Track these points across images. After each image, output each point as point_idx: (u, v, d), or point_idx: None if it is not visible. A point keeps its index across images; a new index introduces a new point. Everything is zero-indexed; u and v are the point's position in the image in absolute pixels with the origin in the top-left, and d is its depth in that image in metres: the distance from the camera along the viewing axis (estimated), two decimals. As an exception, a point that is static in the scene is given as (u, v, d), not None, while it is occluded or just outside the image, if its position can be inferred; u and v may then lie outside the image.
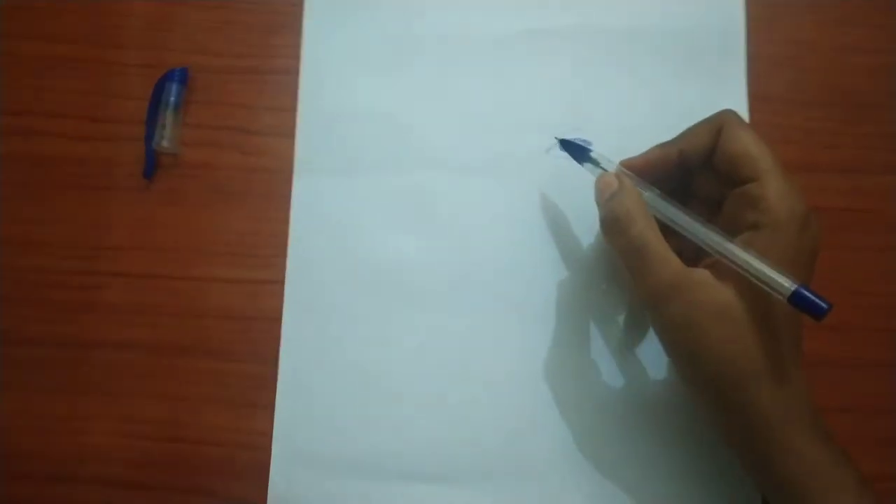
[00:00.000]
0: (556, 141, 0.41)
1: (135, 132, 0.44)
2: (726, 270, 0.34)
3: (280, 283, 0.43)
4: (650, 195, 0.36)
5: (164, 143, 0.44)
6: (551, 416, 0.40)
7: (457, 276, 0.42)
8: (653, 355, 0.41)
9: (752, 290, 0.33)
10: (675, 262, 0.35)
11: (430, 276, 0.42)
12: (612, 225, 0.36)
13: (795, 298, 0.31)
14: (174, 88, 0.44)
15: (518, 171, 0.43)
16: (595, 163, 0.39)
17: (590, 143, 0.40)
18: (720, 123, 0.36)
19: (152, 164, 0.44)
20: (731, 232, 0.34)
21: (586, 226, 0.42)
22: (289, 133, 0.44)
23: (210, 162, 0.44)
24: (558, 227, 0.43)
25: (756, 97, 0.44)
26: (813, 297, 0.31)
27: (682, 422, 0.40)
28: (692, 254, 0.37)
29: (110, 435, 0.41)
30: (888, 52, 0.44)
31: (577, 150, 0.40)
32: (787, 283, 0.32)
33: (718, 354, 0.34)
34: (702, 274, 0.34)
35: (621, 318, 0.41)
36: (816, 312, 0.31)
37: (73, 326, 0.43)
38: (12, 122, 0.45)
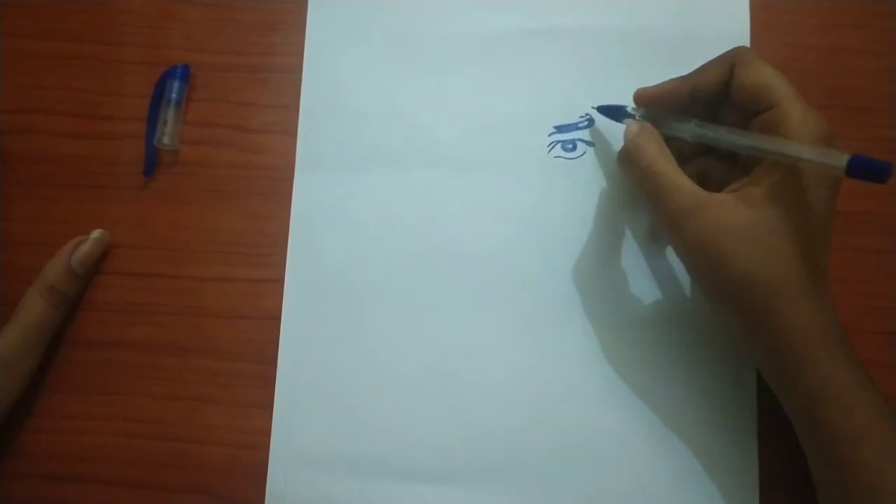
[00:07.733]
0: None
1: (134, 130, 0.44)
2: (747, 195, 0.34)
3: (280, 282, 0.43)
4: (689, 125, 0.37)
5: (165, 141, 0.44)
6: (551, 415, 0.40)
7: (457, 275, 0.42)
8: (654, 354, 0.41)
9: (774, 210, 0.34)
10: (690, 187, 0.36)
11: (431, 274, 0.42)
12: (625, 158, 0.39)
13: (853, 165, 0.30)
14: (176, 85, 0.44)
15: (518, 169, 0.43)
16: (632, 118, 0.40)
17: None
18: (733, 59, 0.37)
19: (153, 162, 0.44)
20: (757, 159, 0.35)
21: (587, 224, 0.42)
22: (289, 131, 0.44)
23: (210, 160, 0.44)
24: (559, 225, 0.42)
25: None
26: (871, 160, 0.30)
27: (682, 421, 0.40)
28: (719, 183, 0.37)
29: (110, 435, 0.41)
30: (889, 55, 0.44)
31: (614, 112, 0.41)
32: (840, 155, 0.31)
33: (740, 271, 0.34)
34: (720, 197, 0.35)
35: (622, 317, 0.41)
36: (880, 173, 0.30)
37: (73, 326, 0.43)
38: (12, 121, 0.45)
